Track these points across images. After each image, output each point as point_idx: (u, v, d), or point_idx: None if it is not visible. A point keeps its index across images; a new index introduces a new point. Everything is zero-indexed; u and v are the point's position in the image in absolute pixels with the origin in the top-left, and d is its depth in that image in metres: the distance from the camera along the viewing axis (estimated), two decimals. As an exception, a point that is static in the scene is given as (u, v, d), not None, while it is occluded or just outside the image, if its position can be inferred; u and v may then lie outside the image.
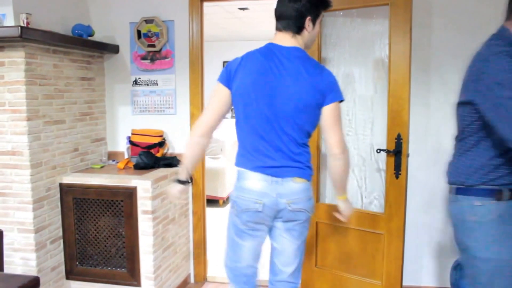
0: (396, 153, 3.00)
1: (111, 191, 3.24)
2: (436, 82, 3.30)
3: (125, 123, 3.90)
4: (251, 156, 2.25)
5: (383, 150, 3.07)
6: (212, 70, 12.93)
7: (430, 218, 3.41)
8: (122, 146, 3.92)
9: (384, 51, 3.17)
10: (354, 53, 3.35)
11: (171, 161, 3.65)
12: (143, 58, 3.79)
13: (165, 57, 3.74)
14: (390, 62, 2.99)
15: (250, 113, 2.19)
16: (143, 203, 3.18)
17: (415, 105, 3.28)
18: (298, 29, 2.18)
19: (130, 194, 3.19)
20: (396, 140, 2.99)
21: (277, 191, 2.21)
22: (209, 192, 6.02)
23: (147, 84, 3.80)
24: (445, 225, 3.34)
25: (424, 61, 3.30)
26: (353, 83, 3.36)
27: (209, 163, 5.99)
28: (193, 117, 3.72)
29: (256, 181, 2.24)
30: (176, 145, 3.80)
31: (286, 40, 2.20)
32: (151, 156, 3.58)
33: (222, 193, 6.08)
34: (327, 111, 2.17)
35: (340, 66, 3.37)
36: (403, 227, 3.06)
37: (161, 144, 3.72)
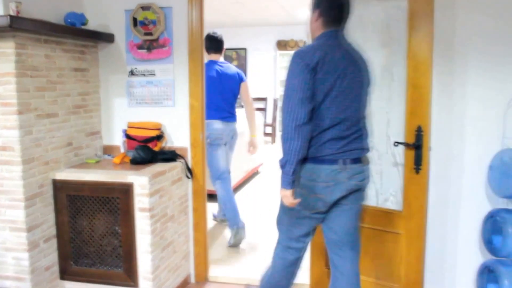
0: (417, 146, 2.95)
1: (106, 188, 3.22)
2: (461, 70, 3.18)
3: (121, 116, 3.87)
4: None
5: (401, 143, 3.03)
6: (214, 58, 12.91)
7: (454, 216, 3.31)
8: (118, 140, 3.89)
9: (403, 35, 3.09)
10: (369, 37, 3.27)
11: (170, 156, 3.63)
12: (140, 47, 3.75)
13: (163, 46, 3.70)
14: (409, 47, 2.93)
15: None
16: (140, 200, 3.16)
17: (436, 95, 3.16)
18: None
19: (126, 190, 3.17)
20: (416, 133, 2.95)
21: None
22: (210, 186, 6.00)
23: (144, 75, 3.77)
24: (469, 224, 3.24)
25: (447, 46, 3.13)
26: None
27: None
28: (192, 110, 3.69)
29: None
30: (175, 139, 3.78)
31: None
32: (149, 150, 3.56)
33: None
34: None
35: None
36: (424, 226, 3.02)
37: (159, 137, 3.70)
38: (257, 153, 5.48)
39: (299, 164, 2.46)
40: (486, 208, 3.08)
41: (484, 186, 3.09)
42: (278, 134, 12.37)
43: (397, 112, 3.15)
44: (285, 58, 12.53)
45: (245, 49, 12.83)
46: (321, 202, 2.54)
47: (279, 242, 2.81)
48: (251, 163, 7.35)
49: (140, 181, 3.15)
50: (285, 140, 2.41)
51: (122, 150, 3.84)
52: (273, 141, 11.57)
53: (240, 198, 6.36)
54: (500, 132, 3.00)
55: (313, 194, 2.52)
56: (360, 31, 3.22)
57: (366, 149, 2.64)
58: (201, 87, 3.70)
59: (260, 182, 7.49)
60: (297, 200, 2.53)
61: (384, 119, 3.24)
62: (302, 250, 2.75)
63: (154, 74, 3.75)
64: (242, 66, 12.93)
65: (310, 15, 2.62)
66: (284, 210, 2.72)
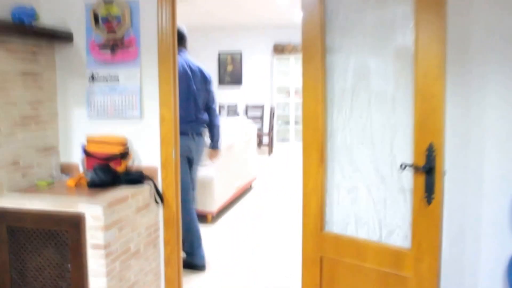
0: (428, 170, 2.41)
1: (53, 219, 2.69)
2: (477, 76, 2.67)
3: (81, 129, 3.35)
4: None
5: (409, 166, 2.49)
6: (209, 59, 12.46)
7: (472, 257, 2.78)
8: (77, 157, 3.36)
9: (409, 36, 2.57)
10: (369, 40, 2.75)
11: (136, 177, 3.10)
12: (102, 47, 3.23)
13: (129, 47, 3.18)
14: (417, 49, 2.40)
15: None
16: (93, 235, 2.62)
17: (450, 106, 2.65)
18: None
19: (76, 223, 2.64)
20: (427, 153, 2.41)
21: None
22: (198, 204, 5.49)
23: (107, 80, 3.25)
24: (491, 266, 2.71)
25: (461, 48, 2.67)
26: (367, 78, 2.77)
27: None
28: (163, 122, 3.17)
29: None
30: (143, 157, 3.25)
31: None
32: (109, 171, 3.03)
33: (211, 207, 5.52)
34: None
35: (351, 57, 2.78)
36: (437, 269, 2.48)
37: (124, 155, 3.17)
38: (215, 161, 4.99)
39: None
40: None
41: (509, 218, 2.57)
42: (276, 144, 11.85)
43: (404, 129, 2.61)
44: (282, 62, 12.03)
45: (240, 52, 12.34)
46: None
47: None
48: (243, 178, 6.81)
49: (93, 211, 2.61)
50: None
51: (81, 170, 3.31)
52: (270, 151, 11.03)
53: (228, 220, 5.82)
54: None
55: None
56: (361, 32, 2.70)
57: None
58: (174, 95, 3.18)
59: (253, 199, 6.94)
60: None
61: (388, 135, 2.70)
62: None
63: (118, 80, 3.23)
64: (237, 70, 12.43)
65: None
66: None
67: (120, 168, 3.12)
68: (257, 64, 12.34)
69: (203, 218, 5.60)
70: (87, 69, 3.28)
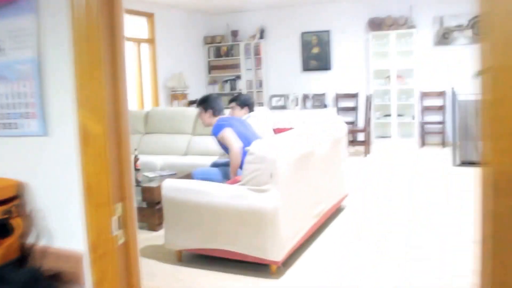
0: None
1: None
2: None
3: None
4: None
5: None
6: (290, 41, 10.61)
7: None
8: None
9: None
10: None
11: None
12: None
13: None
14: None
15: None
16: None
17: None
18: None
19: None
20: None
21: None
22: (252, 251, 3.64)
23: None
24: None
25: None
26: None
27: (249, 199, 3.59)
28: (87, 139, 1.31)
29: None
30: (55, 228, 1.41)
31: None
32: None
33: (273, 254, 3.63)
34: None
35: None
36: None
37: (4, 227, 1.35)
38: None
39: None
40: None
41: None
42: (375, 141, 9.76)
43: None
44: (379, 41, 9.88)
45: (328, 31, 10.34)
46: None
47: None
48: (328, 199, 4.80)
49: None
50: None
51: None
52: (367, 152, 8.94)
53: (304, 268, 3.89)
54: None
55: None
56: None
57: None
58: (115, 80, 1.31)
59: (345, 227, 4.93)
60: None
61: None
62: None
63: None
64: (325, 53, 10.45)
65: None
66: None
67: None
68: (348, 45, 10.29)
69: (262, 269, 3.74)
70: None
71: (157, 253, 4.24)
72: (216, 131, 4.64)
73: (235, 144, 4.49)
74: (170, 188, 3.93)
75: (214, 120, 4.77)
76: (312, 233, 4.39)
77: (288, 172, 3.75)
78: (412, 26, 9.58)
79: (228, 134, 4.54)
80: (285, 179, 3.69)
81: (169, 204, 3.94)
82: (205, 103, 4.89)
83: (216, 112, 4.85)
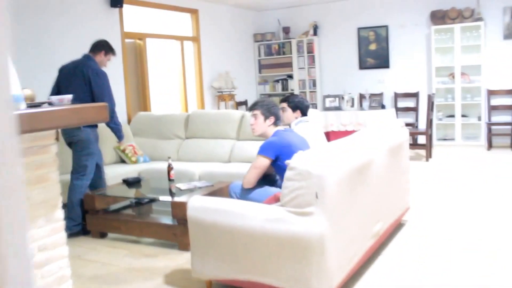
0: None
1: None
2: None
3: None
4: None
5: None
6: (346, 37, 9.97)
7: None
8: None
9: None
10: None
11: None
12: None
13: None
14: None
15: None
16: None
17: None
18: None
19: None
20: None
21: None
22: (292, 284, 3.06)
23: None
24: None
25: None
26: None
27: (290, 223, 3.01)
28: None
29: None
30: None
31: None
32: None
33: (319, 287, 3.05)
34: None
35: None
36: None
37: None
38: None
39: None
40: None
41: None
42: (437, 144, 9.00)
43: None
44: (442, 36, 9.10)
45: (386, 26, 9.66)
46: None
47: None
48: (387, 216, 4.15)
49: None
50: None
51: None
52: (429, 156, 8.19)
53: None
54: None
55: None
56: None
57: None
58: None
59: (407, 247, 4.28)
60: None
61: None
62: None
63: None
64: (383, 50, 9.77)
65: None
66: None
67: None
68: (408, 40, 9.59)
69: None
70: None
71: (185, 280, 3.70)
72: (263, 150, 3.83)
73: (254, 177, 3.84)
74: (197, 207, 3.32)
75: (272, 131, 4.00)
76: (368, 256, 3.77)
77: (339, 190, 3.14)
78: (479, 19, 8.76)
79: (261, 164, 3.80)
80: (334, 199, 3.08)
81: (195, 226, 3.32)
82: (275, 107, 4.08)
83: (278, 121, 4.05)
